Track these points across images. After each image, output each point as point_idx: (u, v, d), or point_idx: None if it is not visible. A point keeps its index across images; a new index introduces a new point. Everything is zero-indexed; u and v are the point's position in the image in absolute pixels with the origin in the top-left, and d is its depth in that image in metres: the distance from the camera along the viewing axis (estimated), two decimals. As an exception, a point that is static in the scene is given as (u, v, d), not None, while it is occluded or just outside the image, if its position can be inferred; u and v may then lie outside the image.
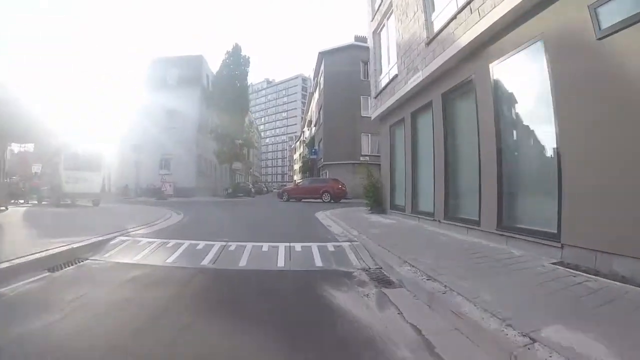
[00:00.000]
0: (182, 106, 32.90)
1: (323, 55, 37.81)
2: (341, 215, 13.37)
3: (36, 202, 17.38)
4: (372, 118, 15.21)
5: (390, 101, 12.35)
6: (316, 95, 45.05)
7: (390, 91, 12.47)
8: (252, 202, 26.43)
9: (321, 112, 38.18)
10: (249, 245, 6.91)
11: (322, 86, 38.49)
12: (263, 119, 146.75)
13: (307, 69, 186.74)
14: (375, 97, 14.41)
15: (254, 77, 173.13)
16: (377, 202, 13.75)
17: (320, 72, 39.80)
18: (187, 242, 7.17)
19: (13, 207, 14.35)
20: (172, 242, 7.26)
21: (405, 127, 11.61)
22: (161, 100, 33.33)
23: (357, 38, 36.66)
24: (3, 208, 12.67)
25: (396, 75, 11.82)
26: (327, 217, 12.95)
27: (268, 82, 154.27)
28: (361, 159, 32.99)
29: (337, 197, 25.08)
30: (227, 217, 13.40)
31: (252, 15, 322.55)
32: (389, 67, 13.14)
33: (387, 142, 13.52)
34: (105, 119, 42.80)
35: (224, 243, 7.04)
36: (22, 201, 18.67)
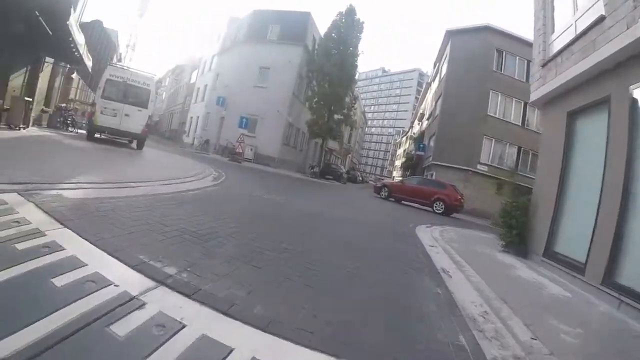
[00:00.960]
0: (279, 65, 29.31)
1: (450, 35, 31.49)
2: (460, 244, 8.36)
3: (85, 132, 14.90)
4: (532, 100, 9.52)
5: (577, 68, 6.88)
6: (435, 84, 38.62)
7: (579, 51, 6.96)
8: (336, 190, 21.66)
9: (438, 103, 32.14)
10: (199, 325, 2.22)
11: (443, 73, 32.37)
12: (372, 107, 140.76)
13: (426, 65, 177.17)
14: (543, 66, 8.85)
15: (369, 64, 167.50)
16: (520, 236, 8.32)
17: (445, 56, 33.45)
18: (71, 252, 2.81)
19: (31, 130, 12.02)
20: (64, 240, 2.99)
21: (611, 113, 6.10)
22: (257, 55, 30.30)
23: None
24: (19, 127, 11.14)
25: (601, 19, 6.29)
26: (437, 242, 7.98)
27: (383, 70, 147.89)
28: (478, 167, 26.75)
29: (452, 209, 19.06)
30: (277, 205, 8.58)
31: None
32: (576, 16, 7.56)
33: (559, 141, 7.94)
34: (186, 56, 41.46)
35: (146, 288, 2.51)
36: (72, 129, 17.23)
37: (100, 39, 30.44)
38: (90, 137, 13.53)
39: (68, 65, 17.48)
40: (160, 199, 5.62)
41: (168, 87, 66.74)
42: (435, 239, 8.42)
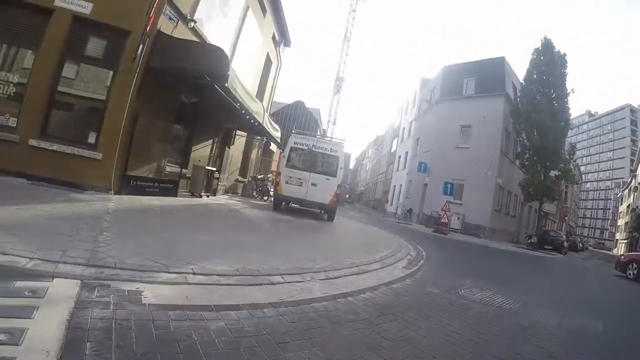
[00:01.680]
0: (481, 121, 25.85)
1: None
2: None
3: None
4: None
5: None
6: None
7: None
8: (564, 269, 15.72)
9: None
10: None
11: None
12: (584, 159, 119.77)
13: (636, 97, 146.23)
14: None
15: (573, 110, 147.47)
16: None
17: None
18: None
19: (215, 198, 12.02)
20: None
21: None
22: (455, 113, 27.50)
23: None
24: (201, 195, 11.13)
25: None
26: None
27: (590, 114, 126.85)
28: None
29: None
30: (499, 321, 4.38)
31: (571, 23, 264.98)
32: None
33: None
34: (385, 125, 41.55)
35: None
36: (266, 198, 17.00)
37: (303, 117, 33.03)
38: (276, 208, 12.61)
39: (264, 138, 17.81)
40: (298, 316, 3.11)
41: (371, 158, 68.76)
42: None
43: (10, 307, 2.24)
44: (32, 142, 6.87)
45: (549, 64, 25.41)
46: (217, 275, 3.58)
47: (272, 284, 3.76)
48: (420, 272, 6.41)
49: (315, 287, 3.97)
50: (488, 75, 27.34)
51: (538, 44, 26.52)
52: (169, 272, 3.34)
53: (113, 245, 3.78)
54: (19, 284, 2.59)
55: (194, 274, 3.45)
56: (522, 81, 27.32)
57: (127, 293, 2.78)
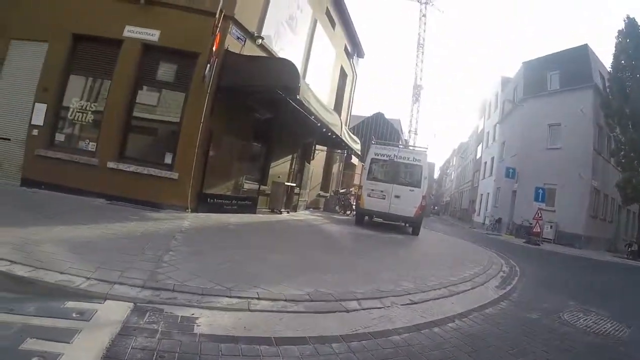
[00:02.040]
0: (571, 117, 23.43)
1: None
2: None
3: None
4: None
5: None
6: None
7: None
8: None
9: None
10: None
11: None
12: None
13: None
14: None
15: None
16: None
17: None
18: None
19: (296, 214, 11.91)
20: None
21: None
22: (541, 111, 25.23)
23: None
24: (281, 211, 10.93)
25: None
26: None
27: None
28: None
29: None
30: None
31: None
32: None
33: None
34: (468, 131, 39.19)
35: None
36: (348, 212, 16.76)
37: (384, 128, 32.53)
38: (358, 222, 12.21)
39: (345, 152, 17.56)
40: (372, 353, 2.52)
41: (455, 166, 66.17)
42: None
43: (53, 329, 2.14)
44: (110, 164, 7.25)
45: (637, 47, 22.11)
46: (285, 300, 3.18)
47: (347, 311, 3.27)
48: (515, 293, 5.50)
49: (396, 315, 3.39)
50: (572, 67, 24.73)
51: (621, 25, 23.24)
52: (230, 297, 3.02)
53: (177, 265, 3.63)
54: (70, 304, 2.50)
55: (258, 298, 3.09)
56: (609, 69, 24.14)
57: (179, 320, 2.54)
